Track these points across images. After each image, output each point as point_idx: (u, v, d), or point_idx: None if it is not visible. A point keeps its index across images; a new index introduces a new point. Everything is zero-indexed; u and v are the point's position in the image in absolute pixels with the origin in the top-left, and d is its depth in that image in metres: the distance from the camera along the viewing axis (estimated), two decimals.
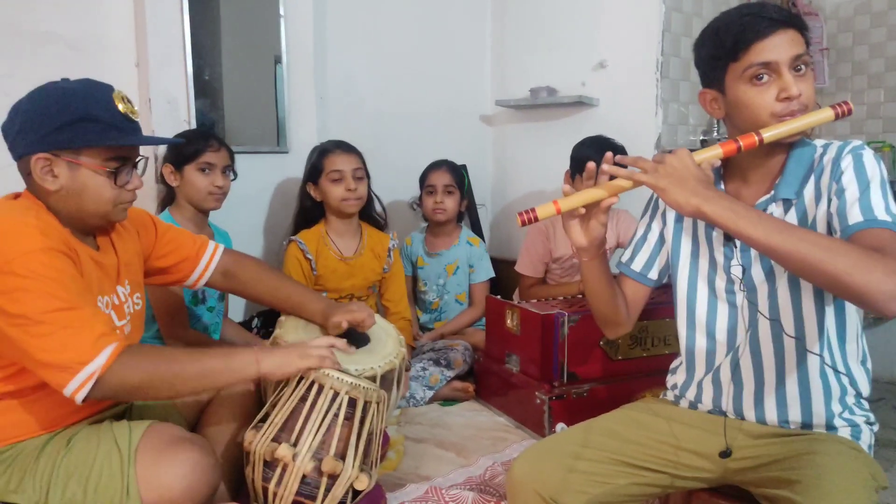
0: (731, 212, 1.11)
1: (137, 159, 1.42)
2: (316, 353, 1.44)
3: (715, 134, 2.87)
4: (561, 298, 2.42)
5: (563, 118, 3.07)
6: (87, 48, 2.32)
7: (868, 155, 1.20)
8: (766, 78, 1.22)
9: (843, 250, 1.04)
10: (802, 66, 1.23)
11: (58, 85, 1.35)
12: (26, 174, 1.34)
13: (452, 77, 3.32)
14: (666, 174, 1.18)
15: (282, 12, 2.70)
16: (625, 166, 1.26)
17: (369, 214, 2.61)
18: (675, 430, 1.35)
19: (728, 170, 1.37)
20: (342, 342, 1.55)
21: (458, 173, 2.88)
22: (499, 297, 2.49)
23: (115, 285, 1.46)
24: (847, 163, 1.19)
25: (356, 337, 1.65)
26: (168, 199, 2.25)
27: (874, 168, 1.18)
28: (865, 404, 1.32)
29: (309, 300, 1.73)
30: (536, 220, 1.26)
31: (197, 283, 1.69)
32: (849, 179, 1.17)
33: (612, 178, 1.27)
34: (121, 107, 1.35)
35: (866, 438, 1.28)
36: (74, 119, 1.30)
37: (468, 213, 3.13)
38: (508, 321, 2.29)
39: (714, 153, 1.24)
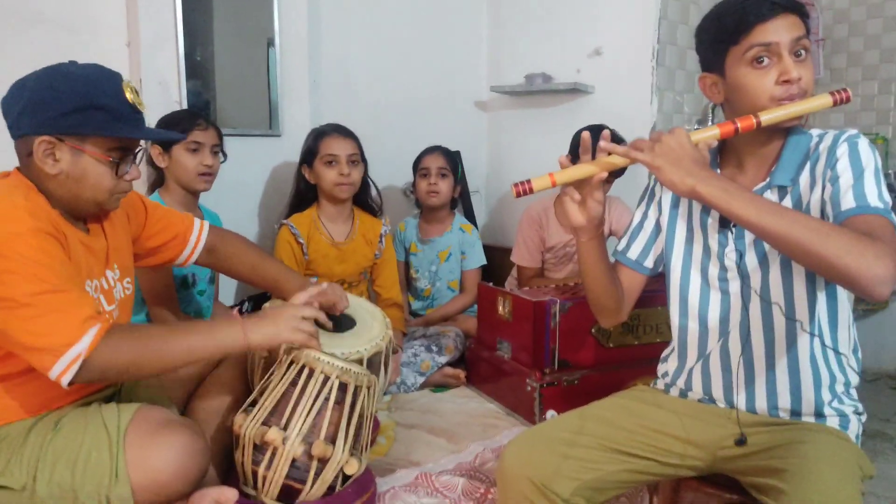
0: (725, 192, 1.11)
1: (137, 150, 1.41)
2: (306, 328, 1.42)
3: (710, 122, 2.86)
4: (554, 286, 2.42)
5: (559, 105, 3.06)
6: (77, 28, 2.29)
7: (863, 143, 1.21)
8: (766, 61, 1.23)
9: (834, 233, 1.05)
10: (802, 52, 1.24)
11: (68, 68, 1.33)
12: (26, 154, 1.32)
13: (447, 63, 3.30)
14: (662, 153, 1.18)
15: None
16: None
17: (364, 201, 2.60)
18: (665, 418, 1.35)
19: (724, 156, 1.38)
20: (323, 315, 1.53)
21: (452, 158, 2.87)
22: (491, 284, 2.49)
23: (105, 269, 1.45)
24: (843, 150, 1.20)
25: (341, 320, 1.65)
26: (158, 181, 2.23)
27: (869, 156, 1.19)
28: (854, 394, 1.33)
29: (287, 278, 1.74)
30: (532, 191, 1.25)
31: (188, 261, 1.68)
32: (843, 167, 1.18)
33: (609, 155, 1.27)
34: (129, 97, 1.34)
35: (854, 428, 1.29)
36: (84, 105, 1.28)
37: (462, 201, 3.12)
38: (500, 308, 2.29)
39: (711, 133, 1.24)
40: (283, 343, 1.42)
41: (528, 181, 1.25)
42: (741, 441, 1.28)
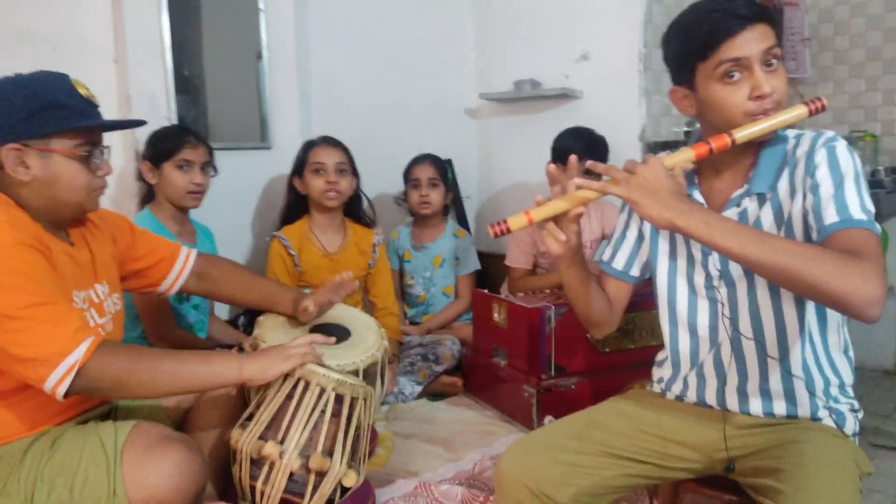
0: (706, 224, 1.09)
1: (104, 146, 1.41)
2: (296, 351, 1.43)
3: (698, 125, 2.88)
4: (548, 291, 2.43)
5: (547, 110, 3.07)
6: (65, 46, 2.29)
7: (841, 147, 1.18)
8: (737, 76, 1.20)
9: (819, 257, 1.03)
10: (774, 61, 1.20)
11: (14, 78, 1.34)
12: None
13: (436, 71, 3.31)
14: (638, 186, 1.15)
15: (262, 7, 2.68)
16: (597, 173, 1.24)
17: (356, 214, 2.60)
18: (662, 422, 1.35)
19: (701, 166, 1.34)
20: (321, 336, 1.54)
21: (442, 166, 2.88)
22: (486, 290, 2.49)
23: (93, 282, 1.44)
24: (821, 157, 1.18)
25: (335, 331, 1.65)
26: (148, 197, 2.22)
27: (848, 161, 1.17)
28: (850, 391, 1.32)
29: (280, 293, 1.74)
30: (509, 231, 1.22)
31: (172, 287, 1.67)
32: (823, 175, 1.16)
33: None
34: (82, 91, 1.35)
35: (850, 426, 1.28)
36: (40, 106, 1.30)
37: (454, 207, 3.12)
38: (496, 315, 2.29)
39: (685, 157, 1.21)
40: (277, 373, 1.41)
41: (505, 221, 1.21)
42: (729, 469, 1.27)
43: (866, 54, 3.42)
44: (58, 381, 1.20)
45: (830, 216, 1.12)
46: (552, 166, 1.27)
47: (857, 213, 1.11)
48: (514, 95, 3.10)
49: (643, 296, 1.54)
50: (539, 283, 2.60)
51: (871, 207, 1.13)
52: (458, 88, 3.41)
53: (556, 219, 1.28)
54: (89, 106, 1.36)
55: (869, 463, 1.22)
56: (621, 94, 2.78)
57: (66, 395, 1.21)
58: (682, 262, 1.37)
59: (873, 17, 3.38)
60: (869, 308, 1.00)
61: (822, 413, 1.27)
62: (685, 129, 2.90)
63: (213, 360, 1.38)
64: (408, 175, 2.87)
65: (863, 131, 3.31)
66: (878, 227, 1.12)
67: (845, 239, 1.09)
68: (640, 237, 1.46)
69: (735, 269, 1.29)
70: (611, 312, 1.46)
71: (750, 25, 1.18)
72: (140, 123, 1.75)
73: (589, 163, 1.24)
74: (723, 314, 1.32)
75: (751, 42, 1.18)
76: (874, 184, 2.76)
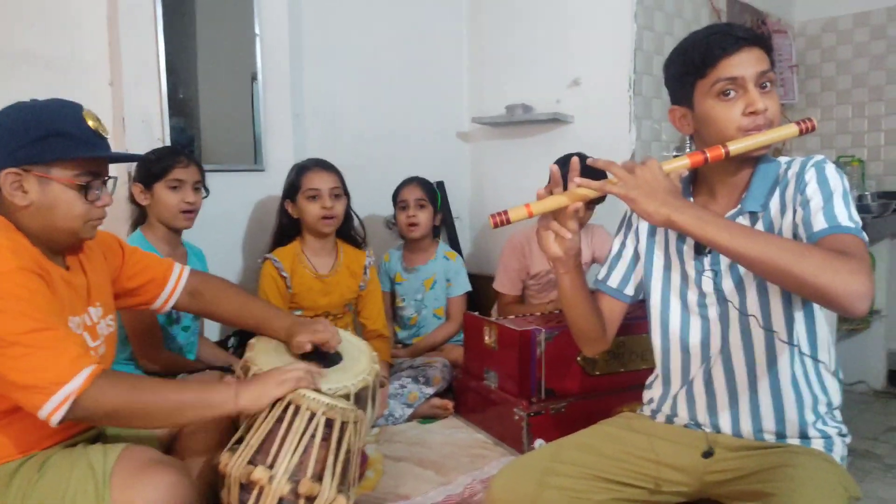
0: (699, 220, 1.14)
1: (107, 178, 1.42)
2: (292, 376, 1.42)
3: (687, 149, 2.91)
4: (539, 314, 2.43)
5: (539, 135, 3.10)
6: (61, 67, 2.31)
7: (830, 168, 1.24)
8: (732, 94, 1.26)
9: (808, 253, 1.07)
10: (768, 84, 1.27)
11: (26, 103, 1.35)
12: None
13: (429, 94, 3.34)
14: (636, 185, 1.20)
15: (257, 31, 2.70)
16: (597, 171, 1.28)
17: (347, 233, 2.61)
18: (653, 445, 1.36)
19: (697, 186, 1.40)
20: (315, 368, 1.53)
21: (430, 188, 2.89)
22: (477, 313, 2.49)
23: (87, 306, 1.44)
24: (811, 175, 1.23)
25: (327, 355, 1.64)
26: (140, 218, 2.23)
27: (836, 179, 1.22)
28: (838, 415, 1.34)
29: (273, 317, 1.72)
30: (509, 221, 1.27)
31: (166, 304, 1.67)
32: (812, 190, 1.21)
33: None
34: (91, 123, 1.36)
35: (839, 450, 1.30)
36: (45, 134, 1.30)
37: (445, 229, 3.13)
38: (486, 337, 2.30)
39: (682, 163, 1.27)
40: (272, 399, 1.41)
41: (505, 212, 1.27)
42: (708, 454, 1.29)
43: (853, 81, 3.48)
44: (53, 409, 1.19)
45: (819, 223, 1.17)
46: (555, 166, 1.31)
47: (844, 221, 1.16)
48: (506, 119, 3.13)
49: (633, 319, 1.55)
50: (527, 311, 2.60)
51: (858, 220, 1.17)
52: (450, 112, 3.44)
53: (556, 215, 1.32)
54: (96, 137, 1.36)
55: (857, 487, 1.23)
56: (612, 119, 2.81)
57: (61, 422, 1.21)
58: (676, 279, 1.40)
59: (859, 45, 3.45)
60: (857, 302, 1.03)
61: (812, 432, 1.29)
62: (674, 154, 2.94)
63: (211, 392, 1.37)
64: (396, 197, 2.88)
65: (850, 156, 3.36)
66: (865, 235, 1.15)
67: (834, 242, 1.13)
68: (636, 256, 1.48)
69: (727, 286, 1.32)
70: (604, 330, 1.48)
71: (746, 47, 1.25)
72: (141, 158, 1.76)
73: (589, 160, 1.29)
74: (714, 331, 1.34)
75: (746, 63, 1.24)
76: (861, 208, 2.81)
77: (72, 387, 1.19)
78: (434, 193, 2.90)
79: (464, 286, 2.91)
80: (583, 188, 1.28)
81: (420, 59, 3.29)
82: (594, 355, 2.06)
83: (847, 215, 1.16)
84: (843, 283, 1.03)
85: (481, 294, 3.02)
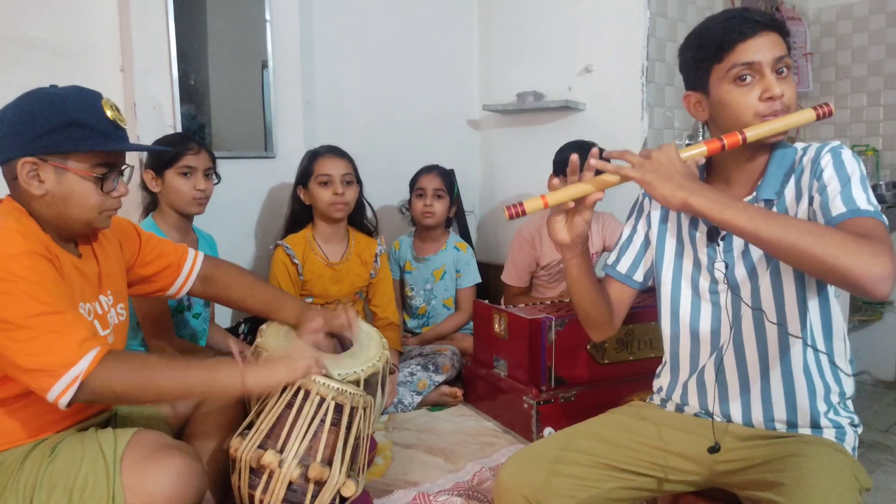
0: (717, 203, 1.12)
1: (123, 167, 1.42)
2: (302, 364, 1.42)
3: (700, 138, 2.89)
4: (548, 303, 2.43)
5: (550, 123, 3.08)
6: (71, 54, 2.31)
7: (847, 153, 1.22)
8: (749, 79, 1.24)
9: (828, 235, 1.05)
10: (784, 69, 1.25)
11: (46, 91, 1.34)
12: (11, 178, 1.33)
13: (440, 82, 3.33)
14: (652, 169, 1.18)
15: (268, 17, 2.69)
16: (610, 161, 1.27)
17: (359, 221, 2.61)
18: (662, 434, 1.35)
19: (712, 173, 1.39)
20: (325, 354, 1.54)
21: (449, 179, 2.88)
22: (486, 301, 2.49)
23: (98, 294, 1.45)
24: (826, 161, 1.21)
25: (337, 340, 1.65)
26: (151, 205, 2.23)
27: (853, 164, 1.20)
28: (850, 405, 1.33)
29: (284, 302, 1.73)
30: (524, 213, 1.26)
31: (181, 290, 1.68)
32: (829, 176, 1.19)
33: (597, 172, 1.27)
34: (109, 113, 1.35)
35: (850, 440, 1.29)
36: (63, 124, 1.29)
37: (456, 219, 3.13)
38: (496, 326, 2.30)
39: (699, 150, 1.25)
40: (280, 383, 1.42)
41: (521, 203, 1.26)
42: (714, 449, 1.28)
43: (868, 69, 3.43)
44: (61, 391, 1.20)
45: (838, 208, 1.15)
46: (574, 156, 1.29)
47: (864, 205, 1.14)
48: (517, 107, 3.11)
49: (641, 307, 1.54)
50: (543, 300, 2.60)
51: (876, 204, 1.16)
52: (461, 99, 3.43)
53: (576, 203, 1.30)
54: (114, 128, 1.35)
55: (868, 478, 1.22)
56: (624, 107, 2.79)
57: (69, 404, 1.22)
58: (688, 266, 1.39)
59: (875, 32, 3.40)
60: (879, 284, 1.01)
61: (824, 422, 1.28)
62: (687, 142, 2.91)
63: (217, 369, 1.38)
64: (414, 184, 2.88)
65: (864, 146, 3.32)
66: (885, 218, 1.13)
67: (853, 225, 1.11)
68: (647, 242, 1.48)
69: (739, 273, 1.31)
70: (611, 315, 1.48)
71: (763, 32, 1.23)
72: (159, 149, 1.75)
73: (606, 152, 1.28)
74: (724, 318, 1.33)
75: (763, 48, 1.23)
76: (876, 198, 2.77)
77: (79, 369, 1.20)
78: (452, 184, 2.90)
79: (474, 277, 2.91)
80: (603, 176, 1.26)
81: (430, 46, 3.28)
82: (602, 341, 2.05)
83: (866, 199, 1.15)
84: (864, 265, 1.01)
85: (490, 284, 3.02)
